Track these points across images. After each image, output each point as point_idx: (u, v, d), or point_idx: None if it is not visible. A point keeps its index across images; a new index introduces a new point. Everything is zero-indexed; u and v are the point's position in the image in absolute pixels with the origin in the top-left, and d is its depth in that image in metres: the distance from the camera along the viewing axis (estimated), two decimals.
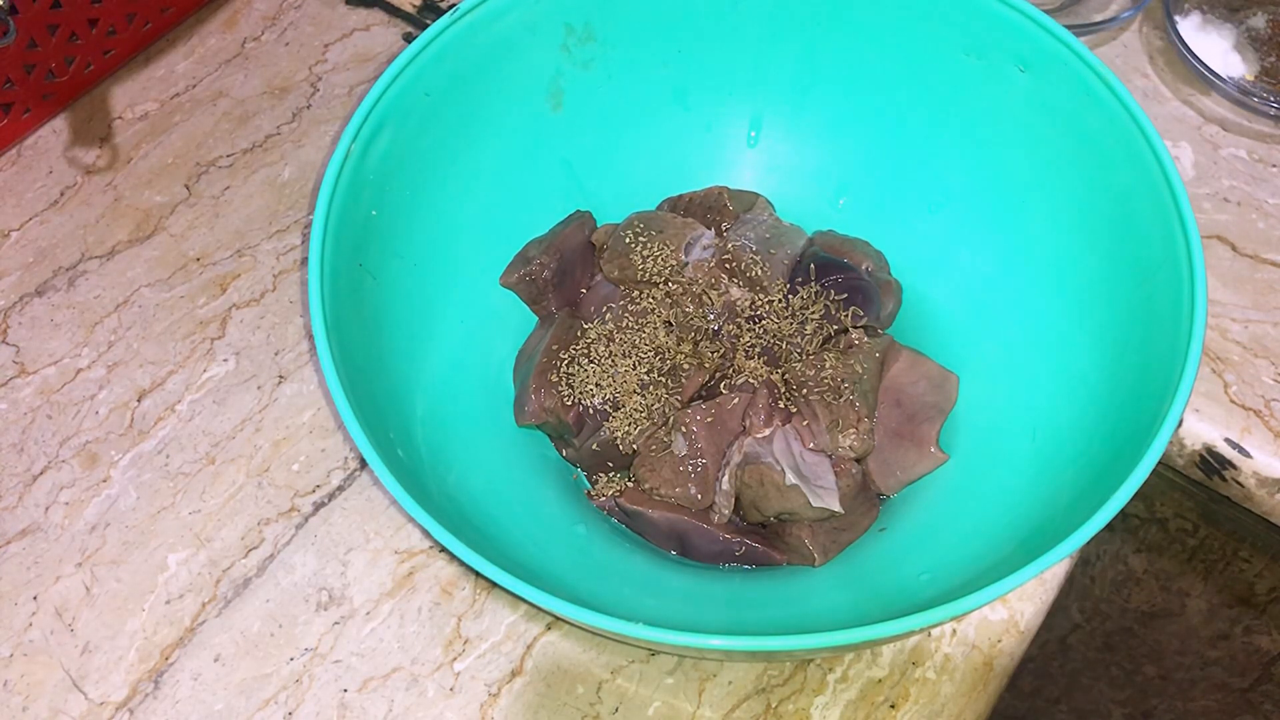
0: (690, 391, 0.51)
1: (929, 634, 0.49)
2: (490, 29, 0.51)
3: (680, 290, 0.54)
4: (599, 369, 0.51)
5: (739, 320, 0.54)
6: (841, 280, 0.54)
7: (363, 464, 0.54)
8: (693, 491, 0.49)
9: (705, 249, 0.55)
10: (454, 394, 0.51)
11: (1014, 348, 0.52)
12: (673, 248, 0.54)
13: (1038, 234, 0.52)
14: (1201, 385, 0.56)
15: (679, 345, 0.52)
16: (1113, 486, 0.38)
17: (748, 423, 0.49)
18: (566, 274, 0.55)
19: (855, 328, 0.52)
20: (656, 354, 0.52)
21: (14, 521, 0.53)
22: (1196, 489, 0.58)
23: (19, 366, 0.58)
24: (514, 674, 0.49)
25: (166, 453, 0.55)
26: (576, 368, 0.51)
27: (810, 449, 0.49)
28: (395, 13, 0.71)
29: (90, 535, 0.53)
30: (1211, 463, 0.55)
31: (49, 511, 0.53)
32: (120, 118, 0.66)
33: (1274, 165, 0.62)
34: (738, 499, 0.49)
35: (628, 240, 0.55)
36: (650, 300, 0.53)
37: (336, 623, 0.50)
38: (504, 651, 0.49)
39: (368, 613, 0.50)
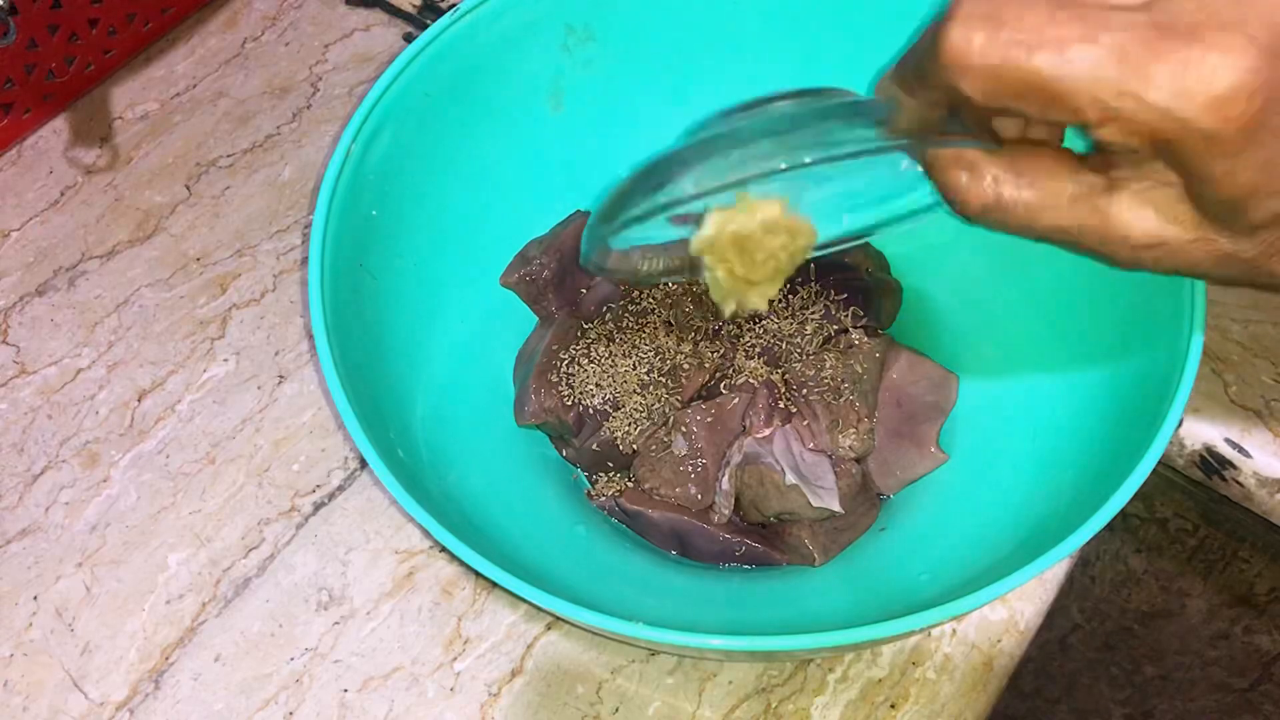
0: (690, 391, 0.51)
1: (929, 634, 0.49)
2: (490, 29, 0.51)
3: (680, 290, 0.54)
4: (599, 369, 0.51)
5: (739, 320, 0.54)
6: (841, 280, 0.54)
7: (363, 464, 0.54)
8: (693, 491, 0.49)
9: None
10: (454, 394, 0.51)
11: (1014, 348, 0.52)
12: None
13: None
14: (1201, 385, 0.56)
15: (679, 345, 0.52)
16: (1113, 486, 0.38)
17: (748, 423, 0.49)
18: (566, 274, 0.55)
19: (855, 328, 0.52)
20: (656, 354, 0.52)
21: (14, 521, 0.53)
22: (1196, 489, 0.58)
23: (19, 366, 0.58)
24: (514, 674, 0.49)
25: (166, 453, 0.55)
26: (576, 368, 0.51)
27: (810, 449, 0.49)
28: (395, 13, 0.71)
29: (90, 535, 0.53)
30: (1211, 463, 0.55)
31: (49, 511, 0.53)
32: (120, 118, 0.66)
33: None
34: (738, 499, 0.49)
35: None
36: (650, 300, 0.53)
37: (336, 623, 0.50)
38: (504, 651, 0.49)
39: (368, 613, 0.50)
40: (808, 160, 0.26)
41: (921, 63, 0.24)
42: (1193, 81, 0.21)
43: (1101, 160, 0.25)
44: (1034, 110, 0.23)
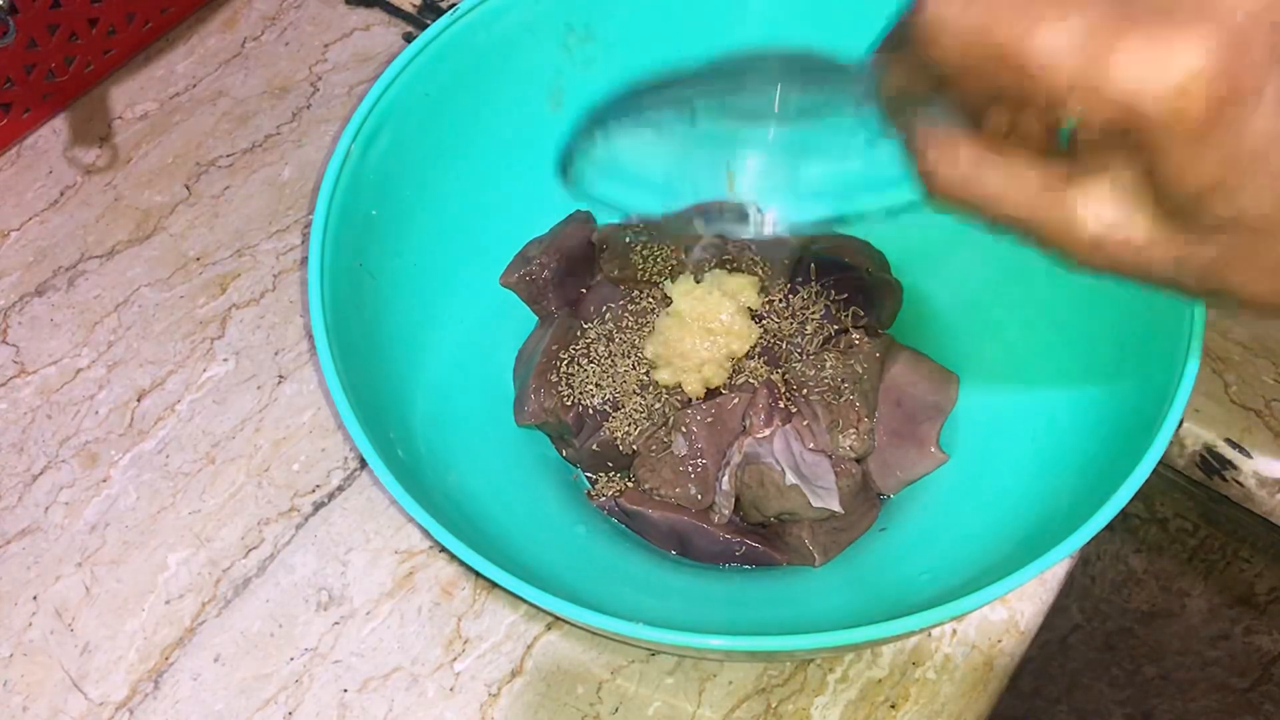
0: None
1: (929, 634, 0.49)
2: (490, 29, 0.51)
3: None
4: (599, 369, 0.51)
5: None
6: (841, 280, 0.54)
7: (363, 464, 0.54)
8: (693, 491, 0.49)
9: (705, 249, 0.55)
10: (454, 394, 0.51)
11: (1014, 348, 0.52)
12: (673, 248, 0.54)
13: None
14: (1201, 385, 0.56)
15: None
16: (1113, 486, 0.38)
17: (748, 423, 0.49)
18: (566, 274, 0.55)
19: (855, 328, 0.52)
20: None
21: (14, 521, 0.53)
22: (1196, 489, 0.58)
23: (19, 366, 0.58)
24: (514, 674, 0.49)
25: (166, 453, 0.55)
26: (576, 368, 0.51)
27: (810, 449, 0.49)
28: (395, 13, 0.71)
29: (90, 535, 0.53)
30: (1211, 463, 0.55)
31: (49, 511, 0.53)
32: (120, 118, 0.66)
33: None
34: (738, 499, 0.49)
35: (628, 240, 0.55)
36: (650, 300, 0.53)
37: (336, 623, 0.50)
38: (504, 651, 0.49)
39: (368, 613, 0.50)
40: (787, 96, 0.26)
41: (903, 32, 0.25)
42: (1155, 66, 0.21)
43: (1069, 153, 0.24)
44: (1001, 86, 0.23)
